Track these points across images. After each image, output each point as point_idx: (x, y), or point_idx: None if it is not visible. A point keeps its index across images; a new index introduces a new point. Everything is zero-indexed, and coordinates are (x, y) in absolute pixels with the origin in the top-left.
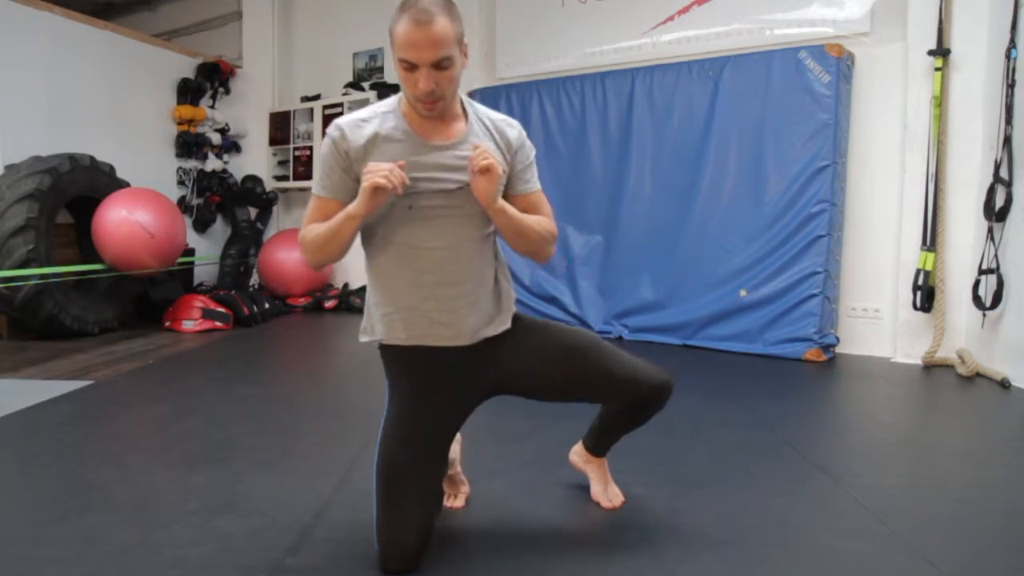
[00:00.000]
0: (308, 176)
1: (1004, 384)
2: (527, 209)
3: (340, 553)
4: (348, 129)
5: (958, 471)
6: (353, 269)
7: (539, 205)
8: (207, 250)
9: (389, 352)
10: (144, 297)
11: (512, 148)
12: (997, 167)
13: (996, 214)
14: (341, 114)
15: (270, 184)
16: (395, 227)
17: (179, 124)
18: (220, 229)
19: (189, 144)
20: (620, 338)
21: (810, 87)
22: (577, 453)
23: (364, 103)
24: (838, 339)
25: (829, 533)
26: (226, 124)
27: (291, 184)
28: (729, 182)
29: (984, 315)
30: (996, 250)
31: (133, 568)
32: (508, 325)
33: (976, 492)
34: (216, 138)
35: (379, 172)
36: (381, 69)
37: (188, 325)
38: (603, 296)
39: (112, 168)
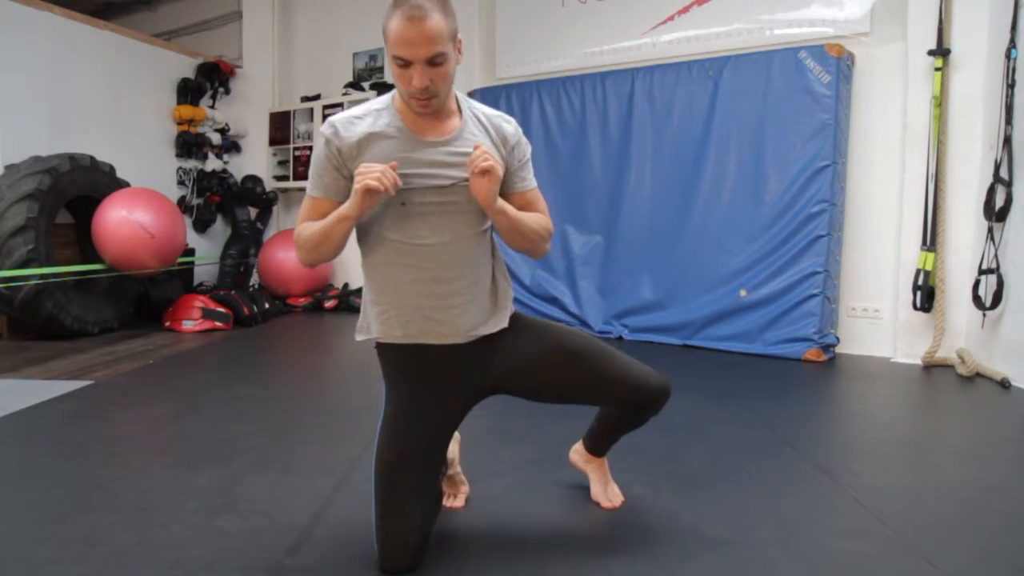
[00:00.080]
0: (308, 176)
1: (1004, 384)
2: (524, 206)
3: (340, 553)
4: (341, 126)
5: (958, 471)
6: (353, 269)
7: (535, 202)
8: (207, 250)
9: (385, 350)
10: (144, 297)
11: (509, 144)
12: (997, 167)
13: (996, 214)
14: None
15: (270, 184)
16: (389, 224)
17: (179, 124)
18: (220, 229)
19: (189, 144)
20: (620, 338)
21: (810, 87)
22: (577, 452)
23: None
24: (838, 339)
25: (829, 533)
26: (226, 124)
27: (291, 184)
28: (729, 182)
29: (984, 315)
30: (996, 250)
31: (133, 568)
32: (505, 324)
33: (976, 492)
34: (216, 138)
35: (371, 174)
36: (381, 69)
37: (188, 325)
38: (603, 296)
39: (112, 168)
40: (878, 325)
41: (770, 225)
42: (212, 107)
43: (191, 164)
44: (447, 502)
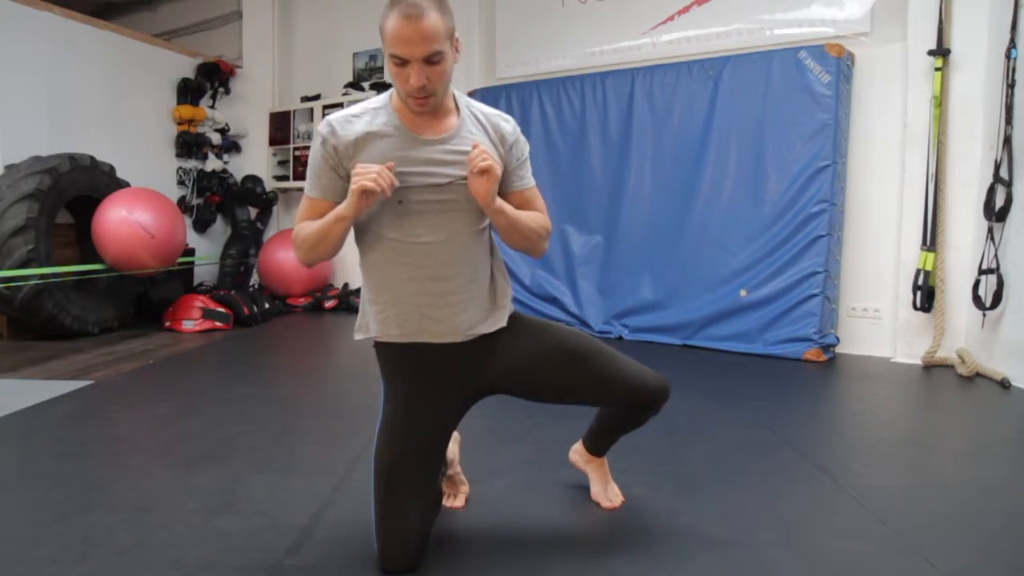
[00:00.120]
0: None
1: (1004, 384)
2: (522, 205)
3: (340, 553)
4: (338, 125)
5: (958, 471)
6: (353, 269)
7: (534, 201)
8: (207, 250)
9: (383, 349)
10: (144, 297)
11: (507, 142)
12: (997, 167)
13: (996, 214)
14: None
15: (270, 184)
16: (387, 222)
17: (179, 124)
18: (220, 229)
19: (189, 144)
20: (620, 338)
21: (810, 87)
22: (577, 452)
23: None
24: (838, 339)
25: (829, 533)
26: (226, 124)
27: (291, 184)
28: (729, 182)
29: (984, 315)
30: (996, 250)
31: (133, 568)
32: (504, 323)
33: (976, 492)
34: (216, 138)
35: (367, 175)
36: (381, 69)
37: (188, 325)
38: (603, 296)
39: (112, 168)
40: (878, 325)
41: (770, 225)
42: (212, 107)
43: (191, 164)
44: (447, 502)
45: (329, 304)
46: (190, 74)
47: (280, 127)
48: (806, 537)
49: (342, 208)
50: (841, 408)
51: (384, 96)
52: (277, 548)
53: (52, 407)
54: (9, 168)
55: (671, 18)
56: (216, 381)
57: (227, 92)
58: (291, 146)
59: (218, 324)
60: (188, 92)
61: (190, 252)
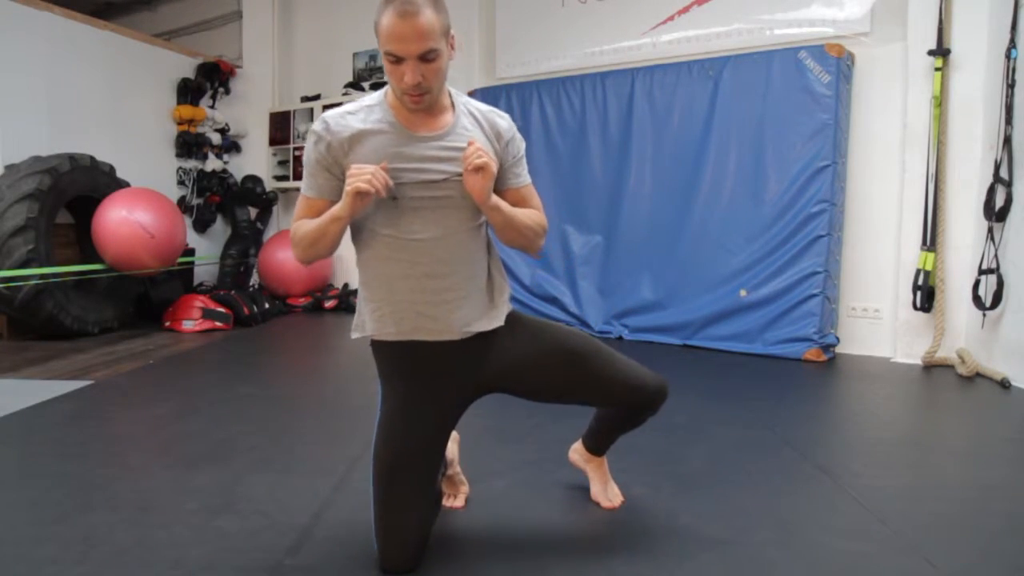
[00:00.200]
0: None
1: (1004, 384)
2: (518, 202)
3: (340, 553)
4: (333, 122)
5: (958, 471)
6: (353, 268)
7: (530, 199)
8: (207, 250)
9: (380, 348)
10: (144, 297)
11: (503, 139)
12: (997, 167)
13: (996, 214)
14: None
15: (270, 184)
16: (382, 219)
17: (179, 124)
18: (220, 229)
19: (189, 144)
20: (620, 338)
21: (810, 87)
22: (577, 451)
23: None
24: (838, 339)
25: (829, 533)
26: (226, 124)
27: (291, 184)
28: (729, 182)
29: (984, 315)
30: (996, 250)
31: (133, 568)
32: (501, 322)
33: (976, 492)
34: (216, 138)
35: (362, 176)
36: (381, 69)
37: (188, 325)
38: (603, 296)
39: (112, 168)
40: (878, 325)
41: (770, 225)
42: (212, 107)
43: (191, 164)
44: (447, 502)
45: (329, 304)
46: (190, 74)
47: (280, 127)
48: (806, 537)
49: (337, 208)
50: (841, 408)
51: (379, 93)
52: (277, 548)
53: (52, 407)
54: (9, 168)
55: (671, 18)
56: (216, 381)
57: (227, 92)
58: (291, 146)
59: (218, 324)
60: (188, 92)
61: (190, 252)
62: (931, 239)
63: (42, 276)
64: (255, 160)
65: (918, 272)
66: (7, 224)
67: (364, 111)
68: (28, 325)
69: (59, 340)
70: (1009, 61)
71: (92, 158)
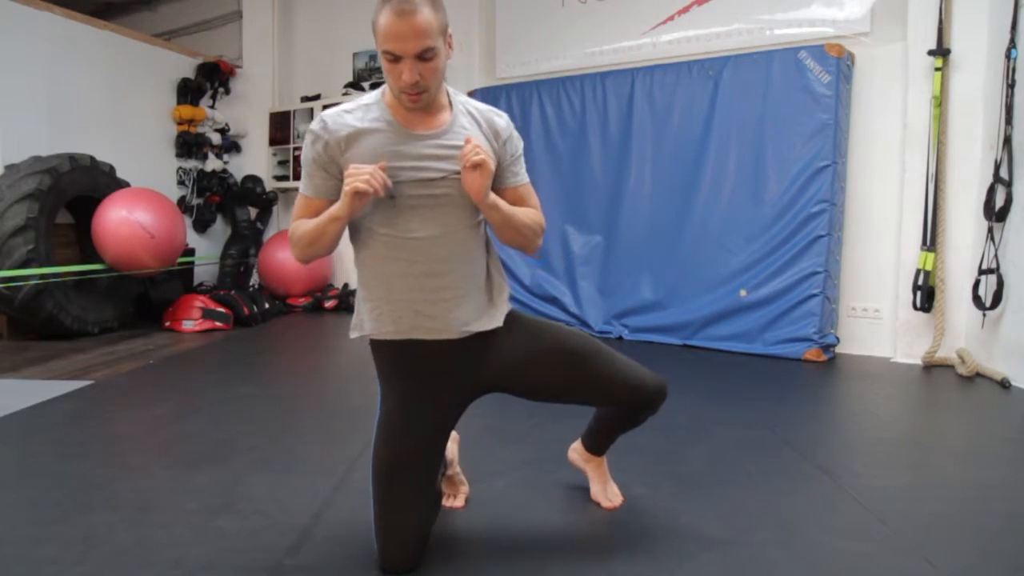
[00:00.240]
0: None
1: (1004, 384)
2: (516, 202)
3: (340, 553)
4: (330, 120)
5: (958, 471)
6: (353, 269)
7: (528, 198)
8: (207, 250)
9: (379, 347)
10: (144, 297)
11: (501, 138)
12: (997, 167)
13: (996, 214)
14: None
15: (270, 184)
16: (380, 218)
17: (179, 124)
18: (220, 229)
19: (189, 144)
20: (620, 338)
21: (810, 87)
22: (576, 451)
23: None
24: (838, 339)
25: (829, 533)
26: (226, 124)
27: (291, 184)
28: (729, 182)
29: (984, 315)
30: (996, 250)
31: (133, 568)
32: (500, 322)
33: (976, 492)
34: (216, 138)
35: (360, 176)
36: (381, 69)
37: (188, 325)
38: (603, 296)
39: (112, 168)
40: (878, 325)
41: (770, 225)
42: (212, 107)
43: (191, 164)
44: (447, 502)
45: (329, 304)
46: (190, 74)
47: (280, 127)
48: (806, 537)
49: (336, 208)
50: (841, 408)
51: (377, 92)
52: (277, 548)
53: (52, 407)
54: (9, 168)
55: (671, 18)
56: (216, 381)
57: (227, 92)
58: (291, 146)
59: (218, 324)
60: (188, 92)
61: (190, 252)
62: (931, 239)
63: (42, 276)
64: (255, 160)
65: (918, 272)
66: (7, 224)
67: (361, 110)
68: (28, 325)
69: (59, 340)
70: (1009, 61)
71: (92, 158)
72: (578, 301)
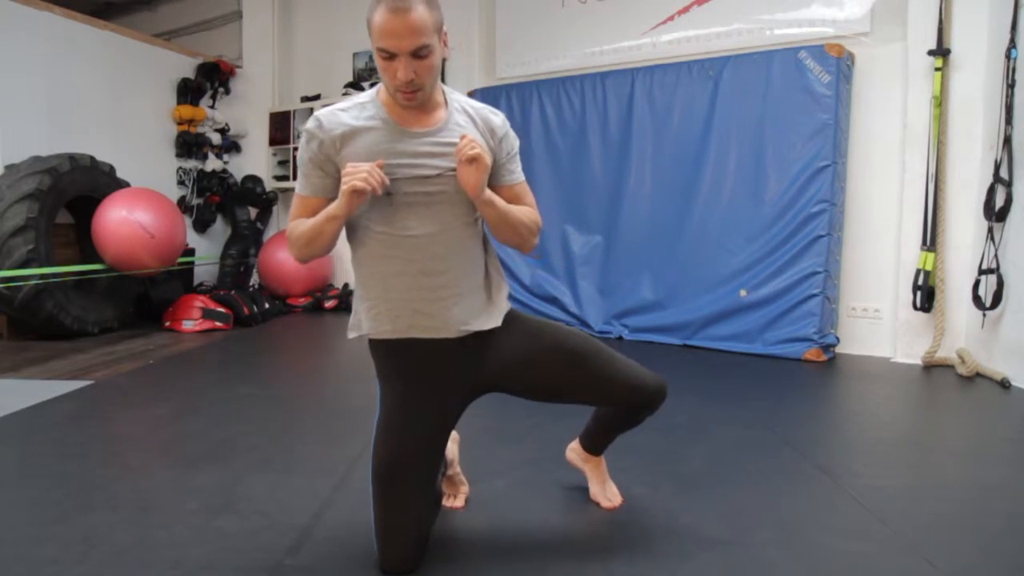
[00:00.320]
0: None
1: (1004, 384)
2: (512, 200)
3: (340, 553)
4: (325, 119)
5: (958, 471)
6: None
7: (524, 196)
8: (207, 250)
9: (377, 347)
10: (144, 297)
11: (497, 135)
12: (997, 167)
13: (996, 214)
14: None
15: (270, 184)
16: (376, 216)
17: (179, 124)
18: (220, 229)
19: (189, 144)
20: (620, 338)
21: (810, 87)
22: (574, 451)
23: None
24: (838, 339)
25: (829, 533)
26: (226, 124)
27: (291, 184)
28: (729, 182)
29: (984, 315)
30: (996, 250)
31: (133, 568)
32: (499, 322)
33: (976, 492)
34: (216, 138)
35: (358, 175)
36: None
37: (188, 325)
38: (603, 296)
39: (112, 168)
40: (878, 325)
41: (770, 225)
42: (212, 107)
43: (191, 164)
44: (447, 502)
45: (329, 304)
46: (190, 74)
47: (280, 127)
48: (806, 537)
49: (333, 207)
50: (841, 408)
51: (372, 91)
52: (277, 548)
53: (52, 407)
54: (9, 168)
55: (671, 18)
56: (216, 381)
57: (227, 92)
58: (291, 146)
59: (218, 324)
60: (188, 92)
61: (190, 252)
62: (931, 239)
63: (42, 276)
64: (255, 160)
65: (918, 272)
66: (7, 224)
67: (356, 108)
68: (28, 325)
69: (59, 340)
70: (1009, 61)
71: (92, 158)
72: (578, 301)
